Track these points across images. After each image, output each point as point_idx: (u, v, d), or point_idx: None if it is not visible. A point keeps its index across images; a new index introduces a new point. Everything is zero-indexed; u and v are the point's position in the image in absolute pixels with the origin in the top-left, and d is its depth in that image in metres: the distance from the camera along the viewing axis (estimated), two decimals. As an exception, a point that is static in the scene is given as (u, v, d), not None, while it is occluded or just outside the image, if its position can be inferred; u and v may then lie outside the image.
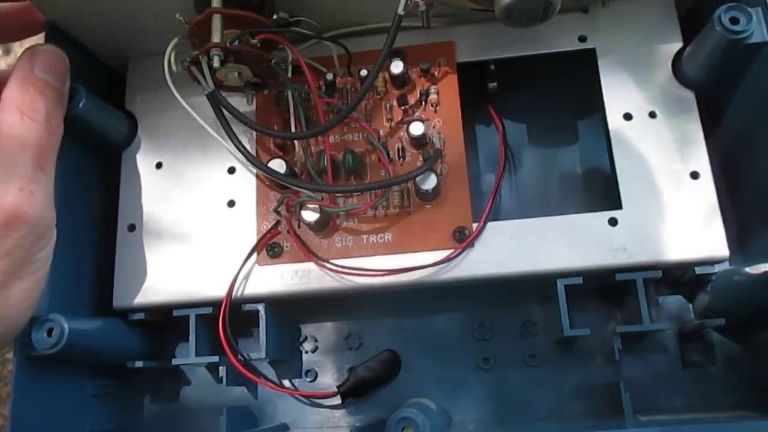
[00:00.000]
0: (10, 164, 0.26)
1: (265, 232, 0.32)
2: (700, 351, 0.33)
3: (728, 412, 0.31)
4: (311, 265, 0.32)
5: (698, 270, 0.31)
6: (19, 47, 0.50)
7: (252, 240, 0.33)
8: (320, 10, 0.32)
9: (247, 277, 0.32)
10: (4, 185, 0.26)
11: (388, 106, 0.34)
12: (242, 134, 0.32)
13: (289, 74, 0.32)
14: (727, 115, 0.32)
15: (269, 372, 0.35)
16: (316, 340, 0.36)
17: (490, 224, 0.31)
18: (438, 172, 0.32)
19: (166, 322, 0.33)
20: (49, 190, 0.28)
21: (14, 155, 0.27)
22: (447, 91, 0.34)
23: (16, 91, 0.28)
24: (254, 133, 0.34)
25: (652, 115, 0.32)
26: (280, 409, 0.35)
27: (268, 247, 0.32)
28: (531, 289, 0.35)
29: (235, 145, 0.32)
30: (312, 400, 0.35)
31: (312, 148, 0.33)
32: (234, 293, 0.32)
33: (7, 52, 0.49)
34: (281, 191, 0.33)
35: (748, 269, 0.28)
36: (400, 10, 0.29)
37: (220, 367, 0.33)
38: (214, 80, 0.31)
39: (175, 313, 0.33)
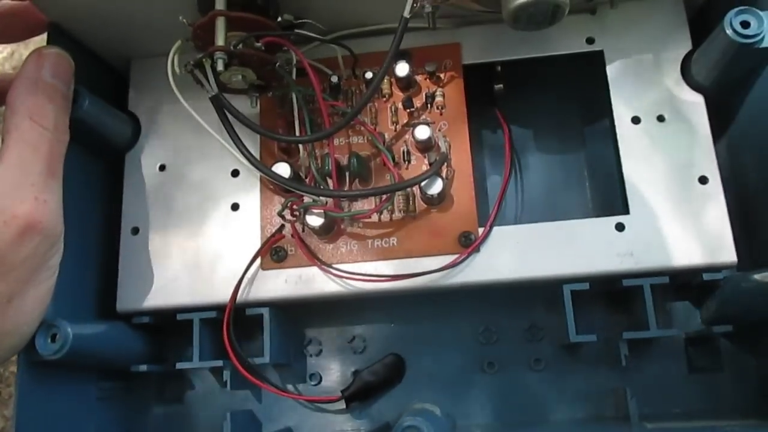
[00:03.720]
0: (24, 172, 0.26)
1: (269, 236, 0.32)
2: (708, 357, 0.33)
3: (736, 419, 0.31)
4: (315, 270, 0.32)
5: (706, 276, 0.30)
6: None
7: (256, 244, 0.32)
8: (325, 12, 0.32)
9: (251, 281, 0.32)
10: (19, 193, 0.26)
11: (393, 108, 0.34)
12: (246, 137, 0.32)
13: (294, 76, 0.32)
14: (737, 120, 0.32)
15: (273, 376, 0.35)
16: (320, 344, 0.36)
17: (495, 229, 0.31)
18: (444, 176, 0.32)
19: (169, 326, 0.33)
20: (59, 197, 0.28)
21: (28, 163, 0.26)
22: (453, 94, 0.33)
23: (25, 95, 0.28)
24: (258, 135, 0.34)
25: (661, 118, 0.32)
26: (284, 413, 0.35)
27: (273, 252, 0.32)
28: (537, 293, 0.34)
29: (239, 149, 0.32)
30: (316, 404, 0.35)
31: (317, 151, 0.33)
32: (238, 297, 0.32)
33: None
34: (286, 195, 0.33)
35: (756, 276, 0.28)
36: (407, 13, 0.29)
37: (224, 371, 0.33)
38: (218, 83, 0.30)
39: (179, 317, 0.33)
